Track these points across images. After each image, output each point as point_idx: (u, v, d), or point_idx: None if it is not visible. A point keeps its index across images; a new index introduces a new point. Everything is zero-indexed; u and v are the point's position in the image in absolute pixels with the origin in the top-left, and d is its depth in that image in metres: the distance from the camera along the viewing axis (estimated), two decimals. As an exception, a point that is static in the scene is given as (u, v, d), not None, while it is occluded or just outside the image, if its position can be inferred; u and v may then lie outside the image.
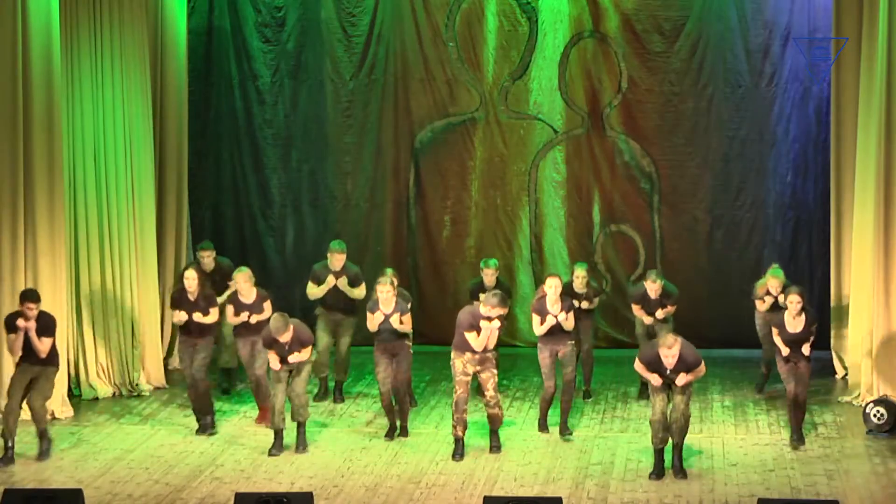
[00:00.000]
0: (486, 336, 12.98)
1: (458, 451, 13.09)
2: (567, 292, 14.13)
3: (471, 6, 17.33)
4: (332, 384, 15.23)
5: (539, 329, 13.55)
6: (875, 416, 13.65)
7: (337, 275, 14.88)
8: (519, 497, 11.31)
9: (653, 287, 14.60)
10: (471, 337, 12.96)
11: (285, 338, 13.10)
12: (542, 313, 13.52)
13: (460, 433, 13.12)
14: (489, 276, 15.03)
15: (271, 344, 13.24)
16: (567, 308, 13.52)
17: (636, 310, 14.79)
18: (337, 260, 14.89)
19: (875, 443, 13.35)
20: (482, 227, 17.52)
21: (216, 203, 17.83)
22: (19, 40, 13.86)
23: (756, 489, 11.86)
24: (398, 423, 13.69)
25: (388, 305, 13.48)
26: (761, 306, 14.79)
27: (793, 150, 17.01)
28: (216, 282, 15.11)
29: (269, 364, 13.34)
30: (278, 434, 13.25)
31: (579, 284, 14.91)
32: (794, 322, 13.13)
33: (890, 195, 14.33)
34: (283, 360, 13.19)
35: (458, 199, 17.61)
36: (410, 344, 13.75)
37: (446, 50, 17.41)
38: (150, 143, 15.69)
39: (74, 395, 15.01)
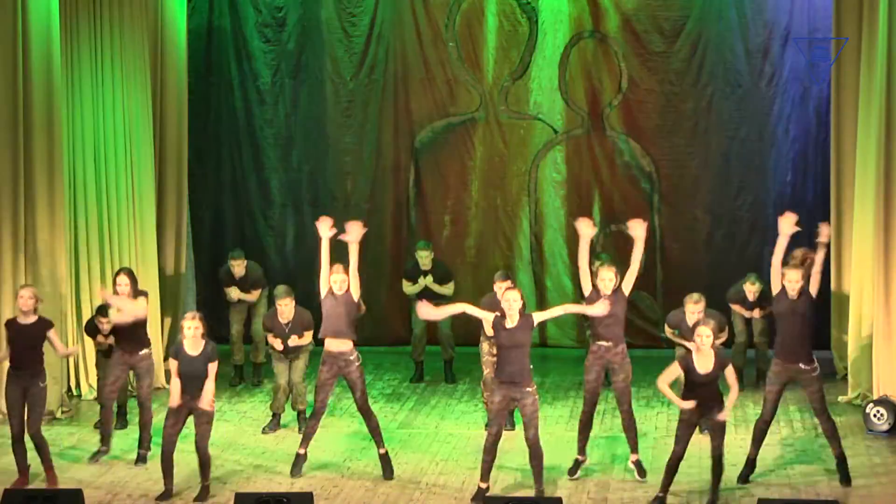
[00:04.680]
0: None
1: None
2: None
3: (471, 6, 17.33)
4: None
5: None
6: (875, 416, 13.66)
7: (426, 273, 15.74)
8: (519, 497, 11.31)
9: (751, 290, 15.17)
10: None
11: (285, 317, 13.45)
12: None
13: None
14: (424, 258, 15.80)
15: (272, 326, 13.64)
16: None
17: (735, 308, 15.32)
18: (425, 259, 15.74)
19: (875, 443, 13.35)
20: (482, 227, 17.52)
21: (216, 203, 17.84)
22: (19, 40, 13.86)
23: (756, 489, 11.85)
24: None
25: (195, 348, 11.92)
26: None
27: (793, 150, 17.02)
28: (245, 289, 15.71)
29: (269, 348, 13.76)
30: (276, 416, 13.91)
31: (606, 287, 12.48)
32: (703, 360, 11.37)
33: (890, 195, 14.32)
34: (284, 344, 13.56)
35: (458, 199, 17.61)
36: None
37: (446, 50, 17.42)
38: (150, 143, 15.69)
39: (74, 395, 15.03)
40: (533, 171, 17.46)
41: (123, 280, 12.93)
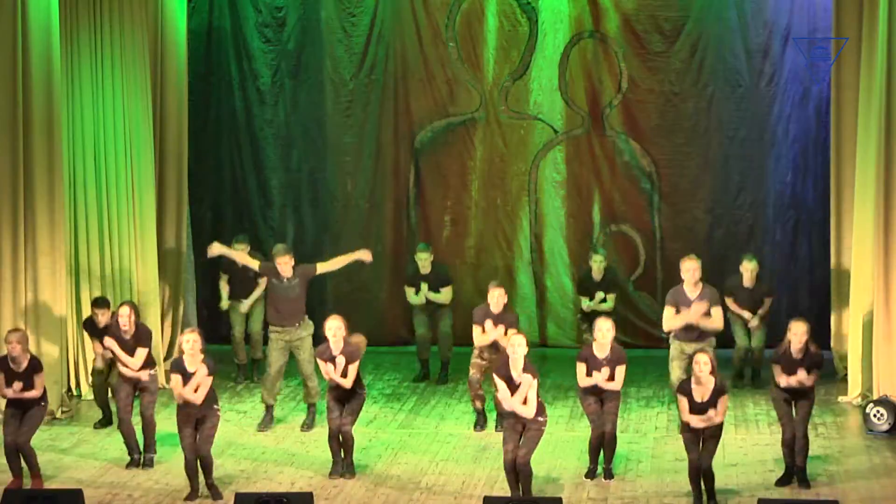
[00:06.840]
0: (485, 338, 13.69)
1: (480, 423, 13.79)
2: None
3: (471, 6, 17.32)
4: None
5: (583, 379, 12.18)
6: (875, 416, 13.66)
7: (425, 277, 15.81)
8: (519, 497, 11.31)
9: (748, 268, 15.36)
10: (476, 332, 13.64)
11: (286, 273, 13.69)
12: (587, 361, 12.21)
13: (479, 406, 13.78)
14: (423, 261, 15.87)
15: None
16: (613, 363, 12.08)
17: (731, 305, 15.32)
18: (424, 261, 15.86)
19: (875, 443, 13.34)
20: (482, 227, 17.51)
21: (216, 203, 17.83)
22: (19, 40, 13.86)
23: (756, 489, 11.85)
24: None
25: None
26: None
27: (793, 150, 17.01)
28: (243, 279, 15.71)
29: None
30: (269, 409, 13.90)
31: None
32: (701, 389, 11.44)
33: (890, 195, 14.32)
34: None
35: (458, 199, 17.60)
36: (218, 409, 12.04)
37: (446, 50, 17.41)
38: (150, 143, 15.68)
39: (74, 395, 15.03)
40: (533, 171, 17.45)
41: (125, 311, 12.88)
